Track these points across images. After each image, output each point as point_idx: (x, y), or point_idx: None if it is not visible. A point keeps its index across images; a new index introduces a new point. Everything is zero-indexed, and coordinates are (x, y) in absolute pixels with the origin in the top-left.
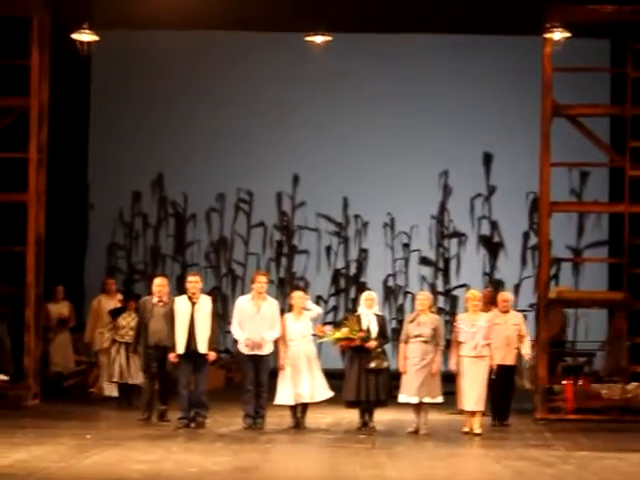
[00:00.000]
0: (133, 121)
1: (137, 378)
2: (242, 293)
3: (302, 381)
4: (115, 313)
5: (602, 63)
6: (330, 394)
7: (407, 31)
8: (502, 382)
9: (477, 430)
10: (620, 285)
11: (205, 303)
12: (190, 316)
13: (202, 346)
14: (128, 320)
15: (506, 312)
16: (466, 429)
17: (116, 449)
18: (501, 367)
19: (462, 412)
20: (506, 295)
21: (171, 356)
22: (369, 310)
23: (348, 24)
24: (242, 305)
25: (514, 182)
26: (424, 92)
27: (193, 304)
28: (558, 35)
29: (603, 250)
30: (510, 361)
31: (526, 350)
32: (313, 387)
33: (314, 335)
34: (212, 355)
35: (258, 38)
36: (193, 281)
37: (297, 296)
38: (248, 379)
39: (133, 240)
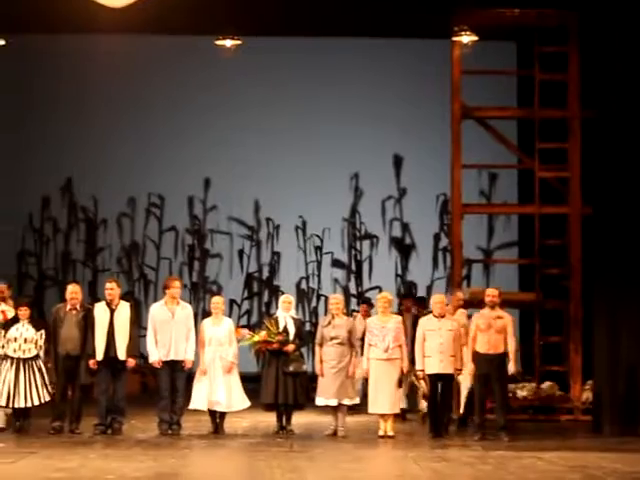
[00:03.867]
0: (40, 125)
1: (31, 399)
2: (155, 298)
3: (218, 389)
4: (7, 324)
5: (509, 66)
6: (247, 404)
7: (317, 34)
8: (439, 393)
9: (390, 433)
10: (531, 285)
11: (124, 309)
12: (109, 322)
13: (121, 353)
14: (22, 331)
15: (442, 316)
16: (381, 432)
17: (32, 457)
18: (437, 376)
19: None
20: (438, 297)
21: (90, 363)
22: (286, 313)
23: (258, 28)
24: (155, 311)
25: (425, 184)
26: (334, 95)
27: (112, 310)
28: (466, 38)
29: (513, 251)
30: (448, 369)
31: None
32: (230, 396)
33: (239, 341)
34: (131, 362)
35: (168, 42)
36: (110, 288)
37: (215, 301)
38: (163, 385)
39: (43, 246)
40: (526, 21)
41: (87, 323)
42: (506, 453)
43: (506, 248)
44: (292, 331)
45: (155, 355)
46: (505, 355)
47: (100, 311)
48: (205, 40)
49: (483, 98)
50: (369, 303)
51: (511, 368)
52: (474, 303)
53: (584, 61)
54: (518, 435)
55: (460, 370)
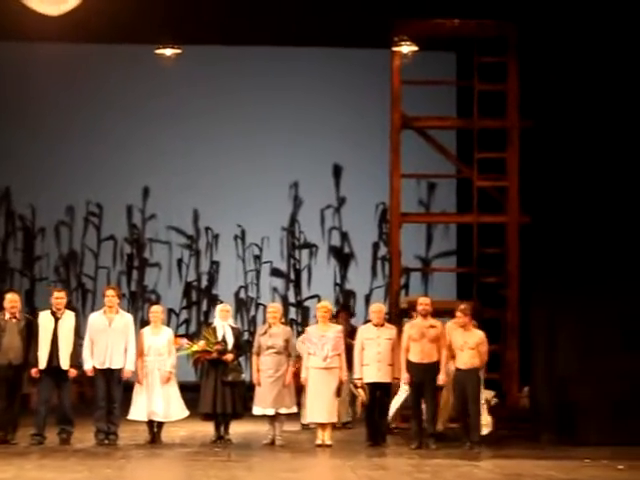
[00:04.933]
0: None
1: None
2: (93, 307)
3: (156, 398)
4: None
5: (449, 76)
6: (185, 414)
7: (258, 43)
8: (376, 401)
9: (328, 441)
10: (469, 294)
11: (69, 319)
12: (53, 331)
13: (64, 362)
14: None
15: (381, 325)
16: (319, 441)
17: None
18: (375, 385)
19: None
20: (377, 306)
21: (32, 371)
22: (224, 322)
23: (198, 36)
24: (93, 320)
25: (364, 193)
26: (274, 103)
27: (57, 319)
28: (406, 48)
29: (452, 260)
30: (386, 378)
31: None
32: (167, 406)
33: (177, 350)
34: (73, 372)
35: (108, 50)
36: (59, 297)
37: (154, 310)
38: (99, 395)
39: None
40: (465, 32)
41: (30, 332)
42: (443, 461)
43: (444, 257)
44: (231, 340)
45: (89, 363)
46: (438, 364)
47: (45, 320)
48: (145, 49)
49: (423, 108)
50: (348, 310)
51: (441, 378)
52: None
53: (523, 71)
54: (455, 443)
55: (398, 379)
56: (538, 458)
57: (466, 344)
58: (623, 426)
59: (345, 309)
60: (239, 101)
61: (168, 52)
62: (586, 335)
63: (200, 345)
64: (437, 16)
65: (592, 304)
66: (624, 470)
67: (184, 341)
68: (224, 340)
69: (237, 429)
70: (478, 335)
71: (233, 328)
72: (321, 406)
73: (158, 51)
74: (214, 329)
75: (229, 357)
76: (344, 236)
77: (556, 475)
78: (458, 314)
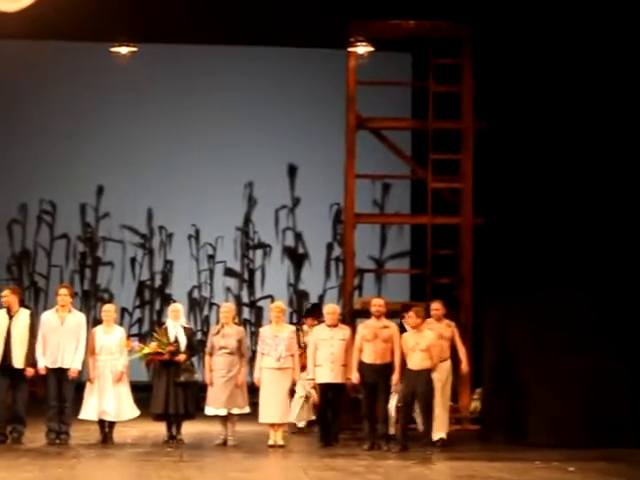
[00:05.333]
0: None
1: None
2: (45, 306)
3: (107, 398)
4: None
5: (404, 77)
6: (136, 413)
7: (214, 42)
8: (329, 402)
9: (280, 442)
10: (422, 295)
11: (23, 317)
12: (7, 330)
13: (18, 361)
14: None
15: (335, 326)
16: (271, 442)
17: None
18: (328, 386)
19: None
20: (331, 307)
21: None
22: (176, 322)
23: (154, 35)
24: (45, 318)
25: (318, 194)
26: (229, 103)
27: (10, 317)
28: (362, 49)
29: (405, 261)
30: (338, 379)
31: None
32: (119, 405)
33: (129, 352)
34: (30, 371)
35: (62, 47)
36: (4, 295)
37: (106, 309)
38: (51, 394)
39: None
40: (421, 33)
41: None
42: (395, 463)
43: (398, 258)
44: (183, 341)
45: (41, 362)
46: (392, 365)
47: None
48: (102, 46)
49: (378, 109)
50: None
51: (395, 378)
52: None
53: (477, 73)
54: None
55: (351, 379)
56: (490, 460)
57: (417, 345)
58: (574, 428)
59: (313, 314)
60: (194, 100)
61: (124, 50)
62: (538, 336)
63: (152, 347)
64: (393, 17)
65: (544, 305)
66: (575, 472)
67: (135, 344)
68: (176, 341)
69: (189, 429)
70: (430, 336)
71: (185, 328)
72: (274, 406)
73: (114, 49)
74: (166, 329)
75: (181, 358)
76: (298, 236)
77: (507, 477)
78: (410, 314)
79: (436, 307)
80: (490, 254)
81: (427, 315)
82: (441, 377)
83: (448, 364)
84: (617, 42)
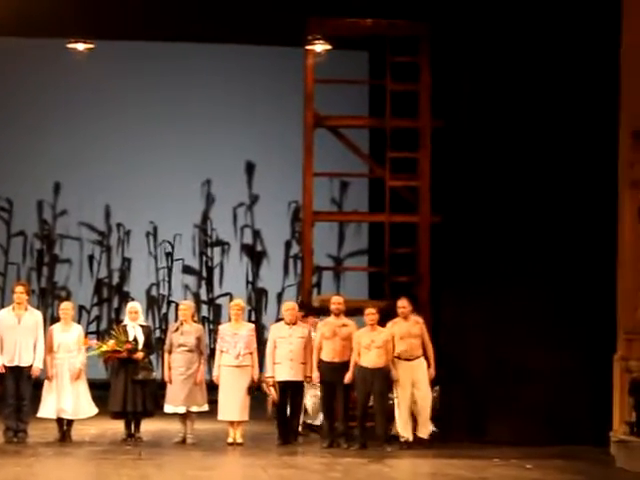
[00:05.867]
0: None
1: None
2: (2, 304)
3: (65, 396)
4: None
5: (362, 75)
6: (94, 411)
7: (172, 39)
8: (288, 400)
9: (239, 440)
10: (380, 293)
11: None
12: None
13: None
14: None
15: (294, 323)
16: (230, 439)
17: None
18: (286, 383)
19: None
20: (289, 305)
21: None
22: (134, 323)
23: (112, 31)
24: (2, 317)
25: (277, 191)
26: (187, 101)
27: None
28: (319, 47)
29: (363, 259)
30: (297, 377)
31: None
32: (77, 403)
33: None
34: None
35: (19, 43)
36: None
37: (64, 307)
38: (9, 391)
39: None
40: (378, 31)
41: None
42: (354, 460)
43: (356, 256)
44: (141, 340)
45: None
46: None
47: None
48: (58, 43)
49: (336, 107)
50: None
51: (348, 377)
52: (324, 310)
53: (435, 72)
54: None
55: (310, 377)
56: (449, 457)
57: (373, 343)
58: (533, 425)
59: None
60: (152, 98)
61: (80, 47)
62: (495, 334)
63: (109, 345)
64: (351, 15)
65: (501, 303)
66: (533, 469)
67: (93, 342)
68: (135, 339)
69: (148, 427)
70: (385, 334)
71: (143, 327)
72: (233, 404)
73: (70, 45)
74: (124, 328)
75: (139, 356)
76: (256, 234)
77: (466, 474)
78: (370, 310)
79: (403, 305)
80: (447, 252)
81: (394, 314)
82: (418, 376)
83: (421, 361)
84: (573, 40)
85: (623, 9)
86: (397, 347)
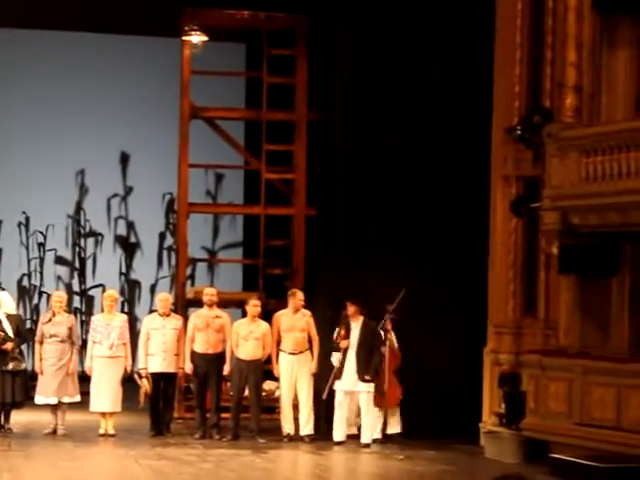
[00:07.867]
0: None
1: None
2: None
3: None
4: None
5: (239, 67)
6: None
7: (49, 28)
8: (161, 391)
9: (111, 431)
10: (254, 285)
11: None
12: None
13: None
14: None
15: (167, 315)
16: (102, 431)
17: None
18: (160, 375)
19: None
20: (164, 296)
21: None
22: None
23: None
24: None
25: (151, 182)
26: (62, 90)
27: None
28: (196, 38)
29: (238, 251)
30: (171, 368)
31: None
32: None
33: None
34: None
35: None
36: None
37: None
38: None
39: None
40: (255, 24)
41: None
42: (227, 451)
43: (231, 248)
44: (9, 329)
45: None
46: (223, 354)
47: None
48: None
49: (213, 98)
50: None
51: (226, 369)
52: (198, 302)
53: (312, 64)
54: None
55: (183, 369)
56: (321, 449)
57: (252, 334)
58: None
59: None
60: (24, 84)
61: None
62: None
63: None
64: (227, 7)
65: (374, 297)
66: (404, 460)
67: None
68: (3, 329)
69: (18, 418)
70: (264, 326)
71: (12, 316)
72: (105, 395)
73: None
74: None
75: (9, 346)
76: (130, 225)
77: (332, 465)
78: (254, 302)
79: (301, 298)
80: (322, 244)
81: (285, 305)
82: (301, 370)
83: (306, 356)
84: (449, 40)
85: (497, 12)
86: (282, 340)
